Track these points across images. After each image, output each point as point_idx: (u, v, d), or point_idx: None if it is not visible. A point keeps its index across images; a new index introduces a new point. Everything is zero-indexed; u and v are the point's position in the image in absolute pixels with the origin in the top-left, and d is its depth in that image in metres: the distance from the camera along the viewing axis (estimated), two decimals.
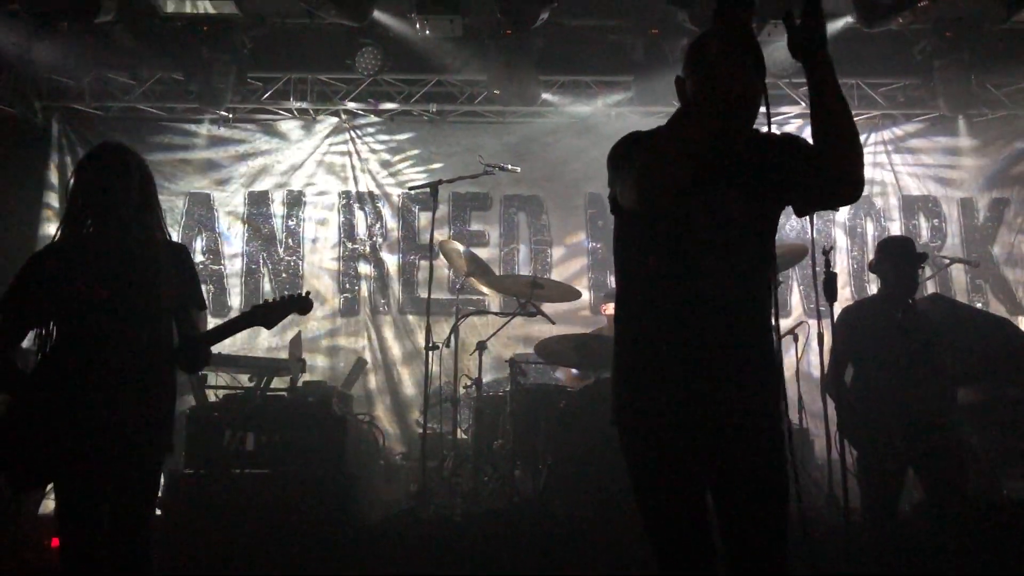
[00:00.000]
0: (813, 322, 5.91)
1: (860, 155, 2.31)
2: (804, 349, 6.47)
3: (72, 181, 3.10)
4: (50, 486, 3.01)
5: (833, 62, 2.28)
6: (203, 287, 8.03)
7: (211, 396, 5.78)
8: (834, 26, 7.40)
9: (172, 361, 3.08)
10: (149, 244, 3.09)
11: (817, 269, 4.90)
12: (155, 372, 3.01)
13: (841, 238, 8.86)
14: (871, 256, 8.69)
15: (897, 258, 4.66)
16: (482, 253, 7.78)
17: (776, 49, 6.02)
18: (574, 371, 6.98)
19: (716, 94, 2.15)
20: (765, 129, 2.43)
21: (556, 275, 8.57)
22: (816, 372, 5.82)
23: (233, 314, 8.02)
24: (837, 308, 4.74)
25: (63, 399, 2.88)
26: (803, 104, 8.61)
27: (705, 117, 2.17)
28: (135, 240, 3.06)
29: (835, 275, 4.66)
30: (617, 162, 2.45)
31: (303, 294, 3.35)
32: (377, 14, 6.80)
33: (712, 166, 2.31)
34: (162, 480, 4.86)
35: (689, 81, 2.45)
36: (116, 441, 2.89)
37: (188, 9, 6.47)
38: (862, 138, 8.41)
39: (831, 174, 2.31)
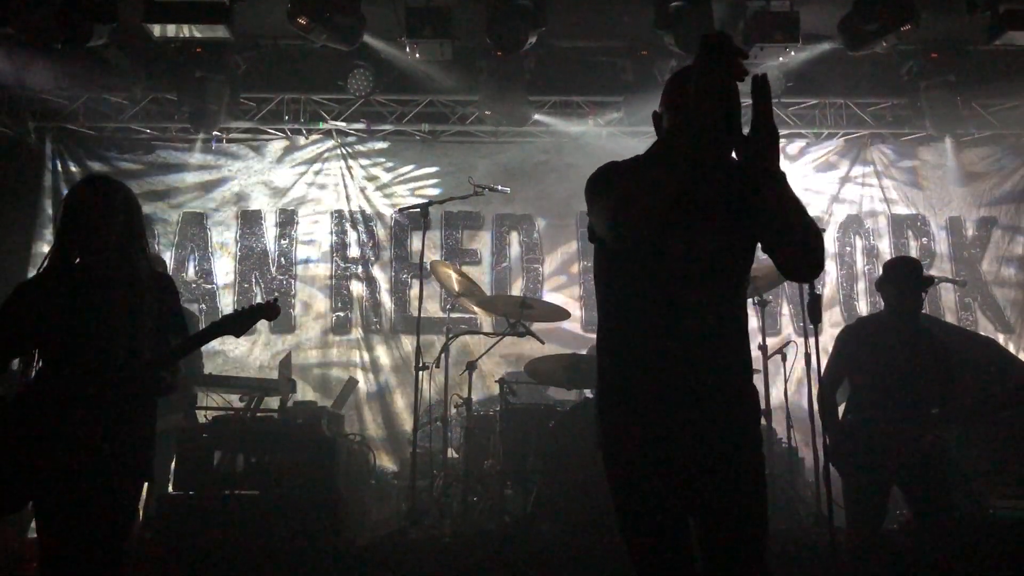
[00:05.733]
0: (801, 340, 5.97)
1: (816, 251, 2.35)
2: (792, 368, 6.50)
3: (60, 213, 3.17)
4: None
5: (784, 176, 2.30)
6: (195, 306, 8.20)
7: (201, 417, 5.79)
8: (820, 48, 7.49)
9: (150, 388, 3.11)
10: (132, 275, 3.15)
11: (803, 289, 4.94)
12: (132, 399, 3.05)
13: (830, 258, 8.91)
14: (860, 275, 8.67)
15: (903, 280, 4.66)
16: (474, 272, 7.80)
17: (762, 70, 6.08)
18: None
19: (691, 132, 2.20)
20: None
21: (547, 293, 8.61)
22: (804, 391, 5.85)
23: None
24: (824, 329, 4.74)
25: (42, 425, 2.92)
26: (792, 124, 8.68)
27: (682, 154, 2.21)
28: (118, 272, 3.12)
29: (819, 297, 4.69)
30: (594, 192, 2.48)
31: (271, 301, 3.39)
32: (368, 38, 6.87)
33: (688, 199, 2.32)
34: (148, 505, 4.92)
35: (666, 117, 2.48)
36: (93, 467, 2.92)
37: (176, 34, 6.54)
38: (849, 160, 8.28)
39: (791, 266, 2.44)
